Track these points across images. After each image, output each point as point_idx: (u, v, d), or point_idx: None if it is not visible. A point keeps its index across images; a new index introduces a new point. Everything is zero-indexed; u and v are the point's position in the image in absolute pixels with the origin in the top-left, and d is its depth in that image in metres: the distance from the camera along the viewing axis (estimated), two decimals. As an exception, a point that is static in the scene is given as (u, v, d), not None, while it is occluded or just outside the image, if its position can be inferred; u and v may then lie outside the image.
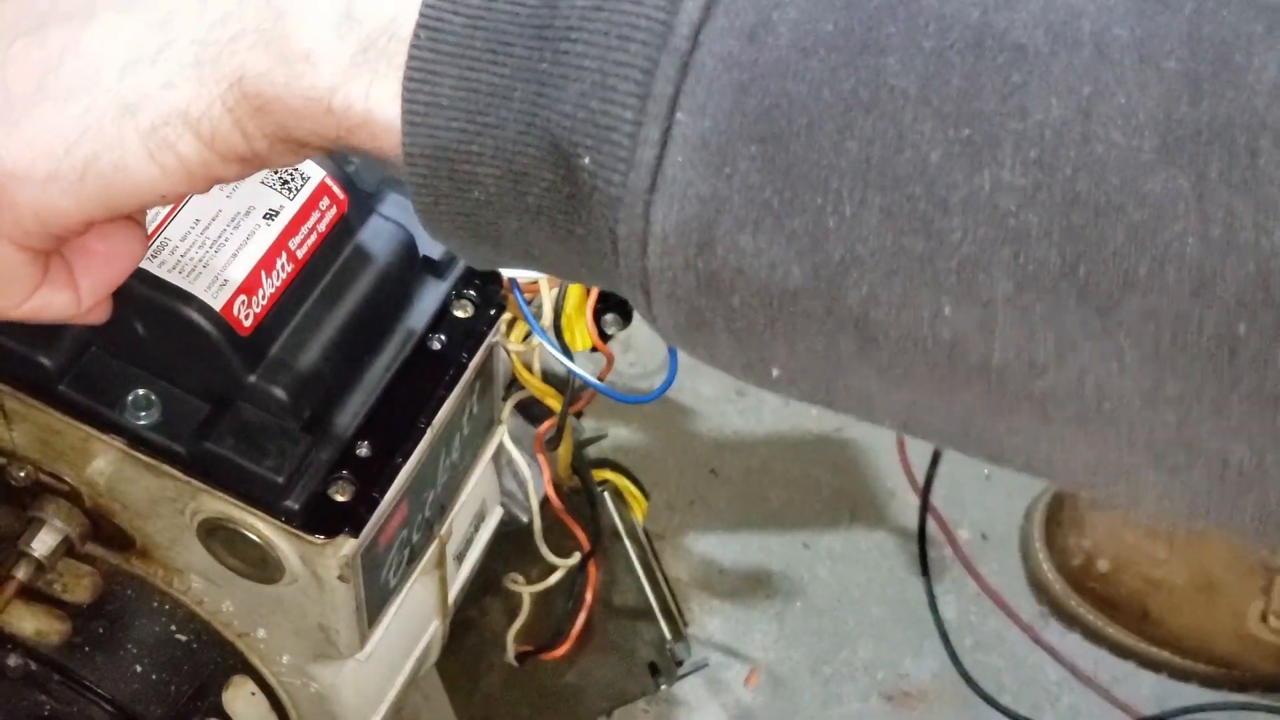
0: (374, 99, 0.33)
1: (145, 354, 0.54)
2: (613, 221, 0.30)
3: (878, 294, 0.29)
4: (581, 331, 0.63)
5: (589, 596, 0.73)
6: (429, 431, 0.56)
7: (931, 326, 0.29)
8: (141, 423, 0.54)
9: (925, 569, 1.04)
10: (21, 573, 0.60)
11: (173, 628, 0.63)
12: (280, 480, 0.52)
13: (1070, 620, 1.03)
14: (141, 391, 0.54)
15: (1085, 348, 0.28)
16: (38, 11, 0.37)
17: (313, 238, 0.54)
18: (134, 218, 0.40)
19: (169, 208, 0.52)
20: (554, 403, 0.65)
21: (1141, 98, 0.27)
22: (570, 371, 0.62)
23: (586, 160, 0.30)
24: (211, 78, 0.34)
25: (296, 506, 0.53)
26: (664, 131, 0.29)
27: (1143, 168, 0.27)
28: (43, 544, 0.60)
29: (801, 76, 0.28)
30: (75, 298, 0.40)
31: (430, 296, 0.58)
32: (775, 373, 0.32)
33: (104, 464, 0.57)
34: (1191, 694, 1.01)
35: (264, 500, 0.53)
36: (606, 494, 0.77)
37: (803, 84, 0.28)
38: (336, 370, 0.55)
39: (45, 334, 0.54)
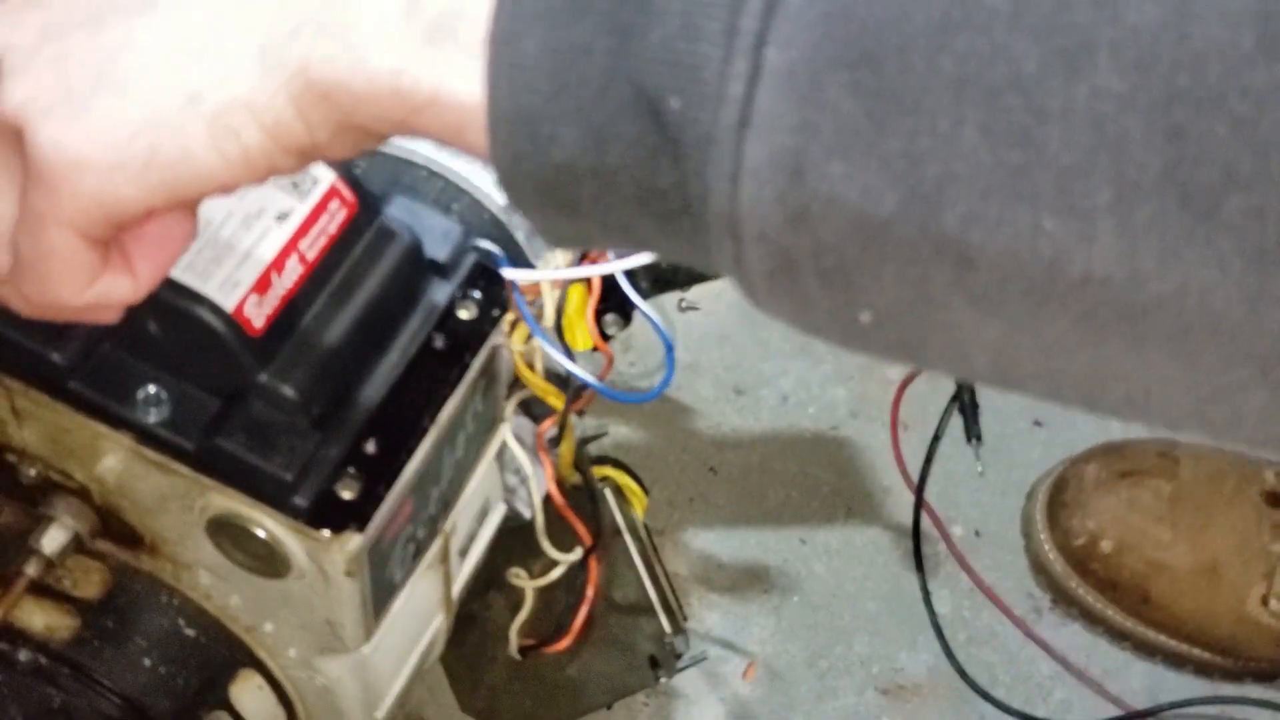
0: (443, 78, 0.33)
1: (156, 352, 0.54)
2: (702, 163, 0.30)
3: (975, 212, 0.28)
4: (582, 332, 0.63)
5: (590, 591, 0.73)
6: (434, 429, 0.57)
7: (1030, 243, 0.28)
8: (151, 419, 0.54)
9: (920, 565, 1.04)
10: (32, 569, 0.60)
11: (181, 622, 0.64)
12: (289, 477, 0.53)
13: (1069, 602, 1.02)
14: (152, 388, 0.54)
15: (1187, 255, 0.27)
16: (94, 3, 0.37)
17: (323, 239, 0.54)
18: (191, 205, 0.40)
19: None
20: (556, 401, 0.65)
21: None
22: (570, 372, 0.62)
23: (674, 102, 0.30)
24: (276, 66, 0.34)
25: (304, 503, 0.53)
26: (753, 65, 0.29)
27: (1243, 60, 0.26)
28: (52, 541, 0.60)
29: (891, 1, 0.28)
30: (134, 283, 0.40)
31: (436, 297, 0.58)
32: (865, 317, 0.31)
33: (113, 461, 0.57)
34: (1184, 687, 1.02)
35: (272, 497, 0.54)
36: (608, 491, 0.77)
37: (892, 8, 0.28)
38: (345, 369, 0.55)
39: (56, 331, 0.54)
